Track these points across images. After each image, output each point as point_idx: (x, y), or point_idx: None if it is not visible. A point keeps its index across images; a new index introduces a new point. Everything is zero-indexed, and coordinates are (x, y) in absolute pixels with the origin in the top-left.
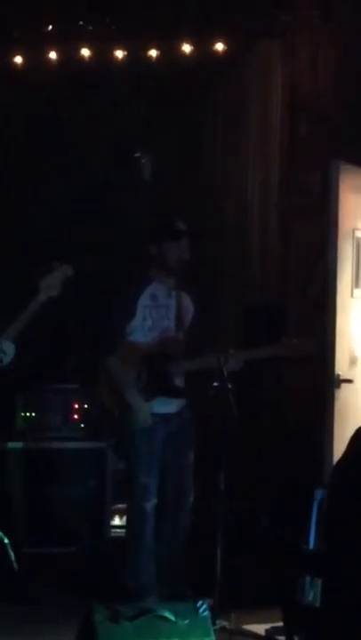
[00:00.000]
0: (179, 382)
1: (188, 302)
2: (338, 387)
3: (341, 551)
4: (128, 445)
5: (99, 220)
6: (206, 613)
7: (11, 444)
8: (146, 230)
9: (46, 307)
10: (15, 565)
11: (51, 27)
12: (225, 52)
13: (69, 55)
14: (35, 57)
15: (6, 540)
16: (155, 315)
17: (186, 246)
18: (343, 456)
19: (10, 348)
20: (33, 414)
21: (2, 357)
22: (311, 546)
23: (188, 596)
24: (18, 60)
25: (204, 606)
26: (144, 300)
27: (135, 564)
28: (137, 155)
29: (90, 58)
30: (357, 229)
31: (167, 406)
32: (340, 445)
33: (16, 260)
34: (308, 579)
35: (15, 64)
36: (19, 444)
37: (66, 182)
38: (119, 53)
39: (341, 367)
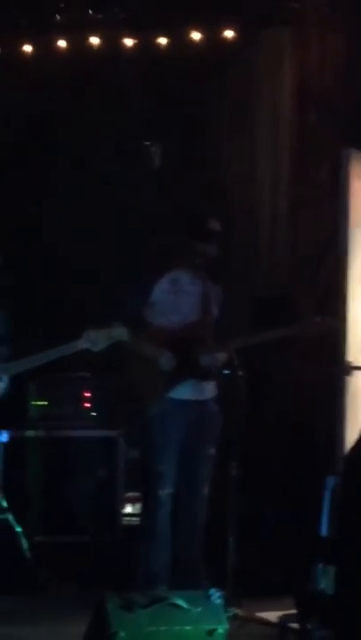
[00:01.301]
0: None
1: (218, 292)
2: (349, 374)
3: (352, 546)
4: (142, 433)
5: (108, 212)
6: (219, 601)
7: (23, 433)
8: (155, 221)
9: (80, 355)
10: (27, 554)
11: (59, 15)
12: (234, 39)
13: (78, 44)
14: (43, 46)
15: (18, 529)
16: (174, 300)
17: (215, 246)
18: (355, 446)
19: (2, 384)
20: (45, 403)
21: None
22: (324, 533)
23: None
24: (26, 49)
25: (217, 594)
26: (163, 284)
27: (148, 552)
28: (146, 143)
29: (98, 47)
30: None
31: (184, 392)
32: (351, 433)
33: (18, 260)
34: (320, 566)
35: (23, 53)
36: (31, 433)
37: (72, 174)
38: (128, 42)
39: (352, 354)
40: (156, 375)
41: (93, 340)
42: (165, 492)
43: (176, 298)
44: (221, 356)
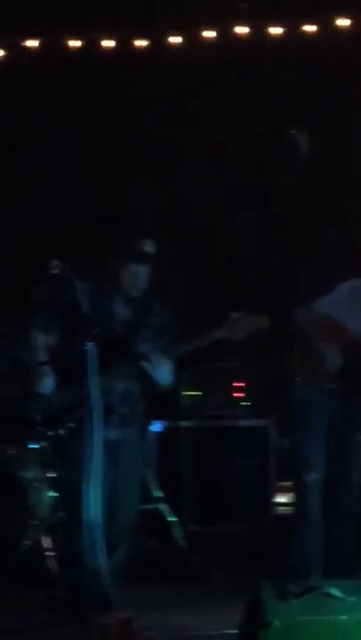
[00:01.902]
0: None
1: None
2: None
3: None
4: (291, 418)
5: (251, 199)
6: None
7: (176, 423)
8: (300, 211)
9: (223, 345)
10: (182, 543)
11: (206, 5)
12: None
13: (224, 33)
14: (189, 37)
15: (173, 518)
16: (343, 305)
17: None
18: None
19: (167, 372)
20: (197, 393)
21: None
22: None
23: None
24: (173, 40)
25: None
26: (343, 287)
27: (300, 538)
28: (293, 132)
29: (245, 35)
30: None
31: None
32: None
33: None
34: None
35: (169, 43)
36: (184, 423)
37: (219, 162)
38: (274, 30)
39: None
40: (316, 366)
41: (235, 329)
42: (311, 476)
43: (346, 305)
44: None
